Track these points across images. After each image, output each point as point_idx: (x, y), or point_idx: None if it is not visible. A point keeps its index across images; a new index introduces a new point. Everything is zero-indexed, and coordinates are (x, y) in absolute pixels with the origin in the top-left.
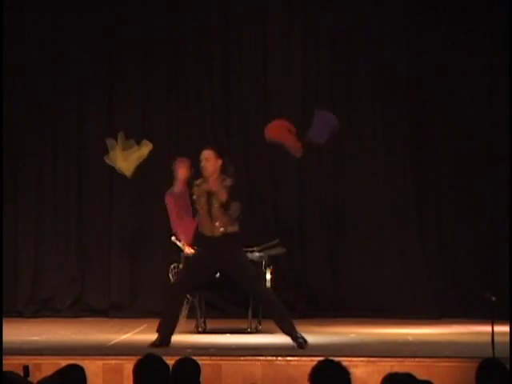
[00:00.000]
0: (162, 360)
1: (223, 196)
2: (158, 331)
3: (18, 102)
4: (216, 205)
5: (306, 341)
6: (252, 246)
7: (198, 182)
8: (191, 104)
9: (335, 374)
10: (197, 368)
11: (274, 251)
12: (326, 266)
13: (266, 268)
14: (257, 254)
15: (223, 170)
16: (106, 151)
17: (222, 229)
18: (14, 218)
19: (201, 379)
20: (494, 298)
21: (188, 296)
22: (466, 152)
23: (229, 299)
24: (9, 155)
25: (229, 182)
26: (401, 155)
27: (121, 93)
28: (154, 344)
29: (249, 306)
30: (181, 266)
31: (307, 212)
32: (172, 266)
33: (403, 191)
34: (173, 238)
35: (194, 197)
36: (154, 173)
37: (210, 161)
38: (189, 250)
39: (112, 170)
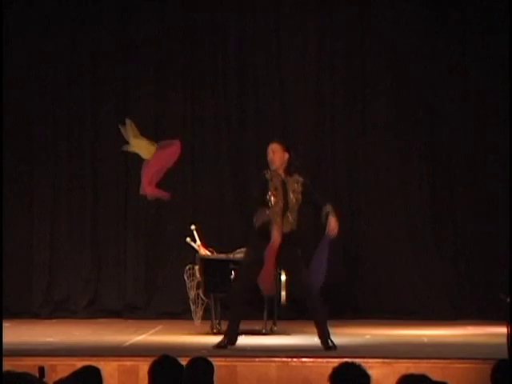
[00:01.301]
0: (177, 361)
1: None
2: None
3: (32, 100)
4: (293, 197)
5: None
6: None
7: (268, 172)
8: (206, 105)
9: (356, 377)
10: (210, 367)
11: None
12: (341, 268)
13: (281, 269)
14: None
15: (289, 165)
16: (121, 153)
17: (292, 225)
18: (29, 219)
19: (214, 379)
20: (509, 300)
21: (203, 297)
22: (481, 152)
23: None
24: (24, 156)
25: (298, 177)
26: (415, 156)
27: (136, 94)
28: (219, 345)
29: (264, 307)
30: (196, 267)
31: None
32: (187, 268)
33: (418, 192)
34: (188, 240)
35: (270, 184)
36: (170, 175)
37: (277, 153)
38: (204, 252)
39: (127, 169)
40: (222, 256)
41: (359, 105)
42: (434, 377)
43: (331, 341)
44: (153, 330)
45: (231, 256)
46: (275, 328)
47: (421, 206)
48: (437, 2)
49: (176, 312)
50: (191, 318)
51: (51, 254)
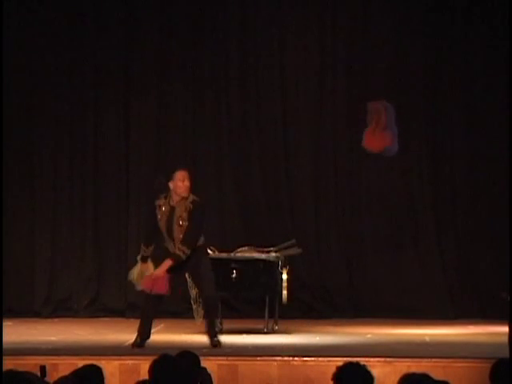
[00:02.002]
0: (177, 360)
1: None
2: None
3: (34, 101)
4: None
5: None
6: (268, 247)
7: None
8: (208, 106)
9: (359, 376)
10: (196, 359)
11: (290, 251)
12: (342, 267)
13: (282, 268)
14: (273, 255)
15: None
16: (123, 152)
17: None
18: (30, 218)
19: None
20: (509, 298)
21: None
22: (482, 150)
23: (245, 299)
24: (25, 156)
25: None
26: (415, 155)
27: (137, 97)
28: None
29: (265, 306)
30: None
31: (323, 212)
32: None
33: (419, 192)
34: None
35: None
36: (170, 174)
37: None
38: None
39: (128, 169)
40: (223, 255)
41: (361, 104)
42: (436, 376)
43: (217, 339)
44: (154, 329)
45: (232, 255)
46: (276, 327)
47: (423, 205)
48: (438, 4)
49: (177, 311)
50: (192, 317)
51: (53, 253)
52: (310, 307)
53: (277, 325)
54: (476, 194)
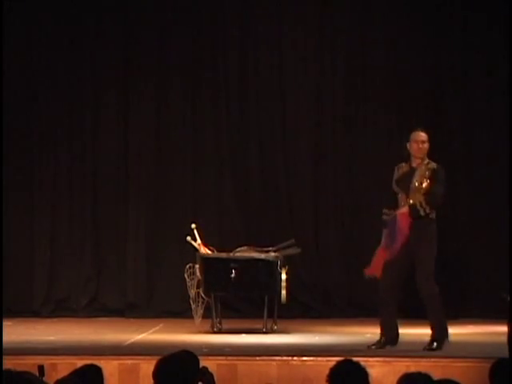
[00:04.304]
0: (184, 360)
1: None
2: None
3: (33, 101)
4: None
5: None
6: (267, 246)
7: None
8: (207, 105)
9: (353, 373)
10: (195, 359)
11: (289, 251)
12: (341, 266)
13: (281, 268)
14: (272, 254)
15: None
16: (122, 152)
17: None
18: (30, 217)
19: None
20: (509, 298)
21: (204, 296)
22: (479, 152)
23: (244, 299)
24: (24, 155)
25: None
26: None
27: (136, 98)
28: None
29: (264, 306)
30: (196, 266)
31: (322, 212)
32: (187, 266)
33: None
34: (188, 238)
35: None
36: (170, 174)
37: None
38: (204, 250)
39: (127, 170)
40: (223, 255)
41: (359, 103)
42: (435, 376)
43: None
44: (153, 329)
45: (231, 255)
46: (275, 327)
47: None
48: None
49: (176, 311)
50: (192, 317)
51: (52, 253)
52: (308, 307)
53: (276, 324)
54: (474, 192)
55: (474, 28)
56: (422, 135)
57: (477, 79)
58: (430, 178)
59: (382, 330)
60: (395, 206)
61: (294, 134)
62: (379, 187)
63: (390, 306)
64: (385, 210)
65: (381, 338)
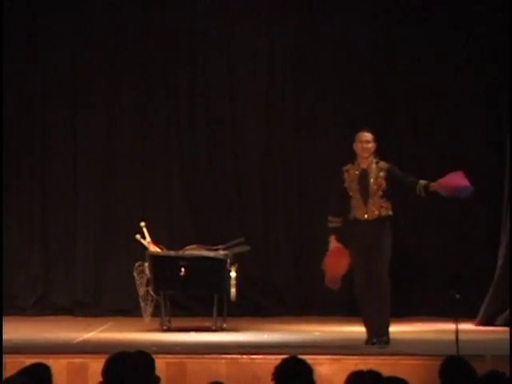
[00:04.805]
0: (133, 358)
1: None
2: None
3: None
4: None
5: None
6: (217, 245)
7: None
8: (156, 104)
9: (298, 371)
10: (151, 361)
11: (238, 249)
12: (290, 264)
13: (230, 266)
14: (221, 252)
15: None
16: (71, 151)
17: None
18: None
19: (162, 376)
20: (458, 296)
21: (153, 294)
22: (430, 152)
23: (193, 297)
24: None
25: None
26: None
27: (85, 98)
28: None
29: (214, 304)
30: (146, 264)
31: (271, 210)
32: (137, 264)
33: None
34: (137, 237)
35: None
36: (119, 172)
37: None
38: (153, 249)
39: (76, 166)
40: (172, 253)
41: (309, 102)
42: (384, 373)
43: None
44: (102, 327)
45: (181, 253)
46: (225, 325)
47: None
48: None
49: (126, 309)
50: (141, 315)
51: None
52: (258, 305)
53: (225, 322)
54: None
55: (423, 27)
56: (367, 135)
57: (423, 80)
58: (385, 178)
59: (367, 328)
60: (343, 209)
61: (243, 134)
62: (328, 186)
63: (369, 304)
64: (330, 218)
65: (369, 336)
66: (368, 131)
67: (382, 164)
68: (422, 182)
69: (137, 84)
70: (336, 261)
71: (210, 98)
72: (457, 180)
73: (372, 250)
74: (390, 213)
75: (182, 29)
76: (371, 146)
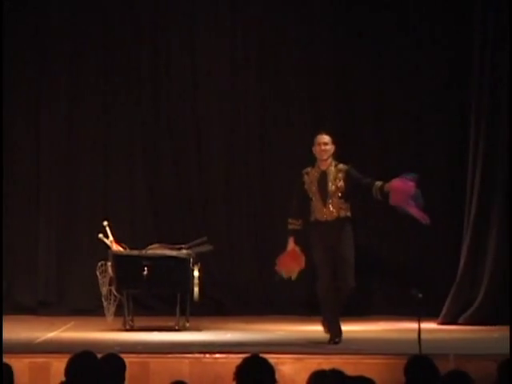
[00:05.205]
0: (96, 357)
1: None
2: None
3: None
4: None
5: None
6: (180, 244)
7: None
8: (120, 106)
9: (259, 370)
10: (122, 364)
11: (201, 248)
12: (253, 264)
13: (193, 265)
14: (184, 252)
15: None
16: (34, 151)
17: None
18: None
19: (126, 376)
20: (420, 295)
21: (116, 294)
22: (392, 153)
23: (156, 296)
24: None
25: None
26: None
27: (48, 94)
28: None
29: (176, 303)
30: (108, 263)
31: (234, 210)
32: (99, 264)
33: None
34: (100, 236)
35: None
36: (81, 171)
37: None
38: (116, 248)
39: (38, 167)
40: (135, 252)
41: (272, 102)
42: (347, 372)
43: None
44: (65, 327)
45: (144, 252)
46: (188, 324)
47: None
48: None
49: (88, 308)
50: (104, 315)
51: None
52: (221, 304)
53: (188, 322)
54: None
55: (383, 27)
56: (325, 137)
57: (388, 77)
58: (344, 180)
59: (326, 328)
60: (304, 211)
61: (206, 133)
62: (291, 187)
63: (330, 303)
64: (290, 220)
65: (331, 336)
66: (326, 133)
67: (341, 166)
68: (378, 183)
69: (99, 85)
70: (289, 262)
71: (173, 97)
72: (407, 183)
73: (335, 251)
74: (349, 214)
75: (144, 28)
76: (329, 148)
